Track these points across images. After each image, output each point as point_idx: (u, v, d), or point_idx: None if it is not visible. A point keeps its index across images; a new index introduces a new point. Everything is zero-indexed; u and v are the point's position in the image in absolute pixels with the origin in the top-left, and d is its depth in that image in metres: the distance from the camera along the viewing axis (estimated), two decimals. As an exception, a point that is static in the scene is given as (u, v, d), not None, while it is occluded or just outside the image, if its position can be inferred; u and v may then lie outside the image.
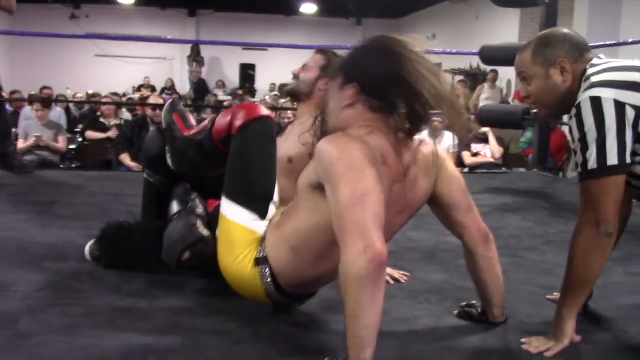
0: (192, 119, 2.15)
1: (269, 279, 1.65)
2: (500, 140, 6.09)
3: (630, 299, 1.99)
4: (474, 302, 1.86)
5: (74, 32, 13.73)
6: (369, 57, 1.60)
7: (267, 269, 1.64)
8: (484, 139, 5.99)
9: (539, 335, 1.67)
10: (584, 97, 1.55)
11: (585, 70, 1.64)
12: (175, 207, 2.10)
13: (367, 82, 1.58)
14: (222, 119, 1.82)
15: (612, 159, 1.51)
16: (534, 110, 4.18)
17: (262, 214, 1.72)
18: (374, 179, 1.43)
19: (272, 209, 1.75)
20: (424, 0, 12.41)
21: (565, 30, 1.76)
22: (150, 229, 2.12)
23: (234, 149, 1.77)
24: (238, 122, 1.76)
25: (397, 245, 2.56)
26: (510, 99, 9.56)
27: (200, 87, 13.51)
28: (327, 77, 1.70)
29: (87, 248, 2.22)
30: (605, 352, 1.66)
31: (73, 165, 6.09)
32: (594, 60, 1.65)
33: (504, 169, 5.94)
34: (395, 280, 2.18)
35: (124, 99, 10.92)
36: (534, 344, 1.63)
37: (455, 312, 1.87)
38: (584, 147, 1.54)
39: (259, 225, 1.71)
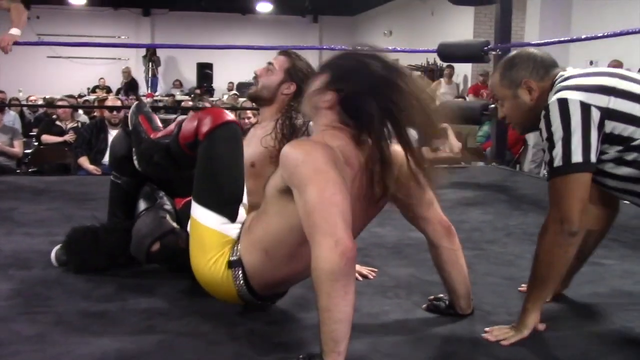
0: (158, 121, 2.15)
1: (241, 281, 1.69)
2: (459, 135, 6.19)
3: (591, 288, 2.07)
4: (441, 295, 1.91)
5: (26, 34, 13.39)
6: (361, 75, 1.60)
7: (240, 272, 1.68)
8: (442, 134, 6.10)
9: (503, 325, 1.72)
10: (552, 99, 1.62)
11: (553, 84, 1.71)
12: (143, 205, 2.11)
13: (348, 98, 1.60)
14: (189, 125, 1.84)
15: (576, 156, 1.57)
16: (492, 105, 4.29)
17: (232, 217, 1.75)
18: (339, 180, 1.47)
19: (242, 212, 1.78)
20: (380, -3, 12.56)
21: (531, 50, 1.83)
22: (118, 230, 2.12)
23: (202, 154, 1.80)
24: (205, 128, 1.79)
25: (364, 242, 2.60)
26: (465, 95, 9.72)
27: (131, 87, 13.21)
28: (319, 71, 1.70)
29: (53, 254, 2.20)
30: (569, 339, 1.72)
31: (30, 170, 5.95)
32: (563, 73, 1.72)
33: (463, 163, 6.05)
34: (364, 276, 2.21)
35: (80, 100, 10.73)
36: (494, 333, 1.69)
37: (424, 305, 1.92)
38: (551, 146, 1.60)
39: (230, 229, 1.74)
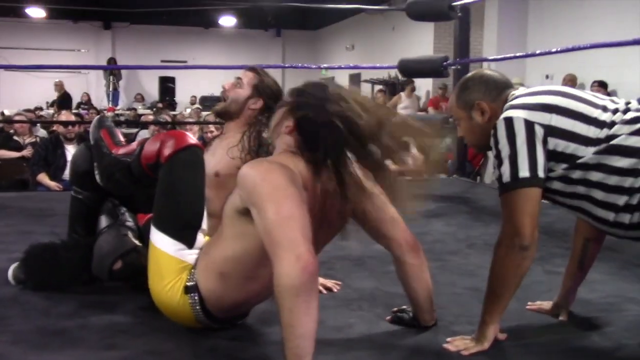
0: (120, 135, 2.13)
1: (198, 307, 1.70)
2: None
3: (549, 296, 2.11)
4: (404, 307, 1.93)
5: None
6: (319, 109, 1.61)
7: (197, 297, 1.69)
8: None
9: (466, 335, 1.75)
10: (499, 119, 1.67)
11: (504, 104, 1.75)
12: (104, 221, 2.09)
13: (305, 127, 1.63)
14: (151, 146, 1.85)
15: (523, 172, 1.61)
16: (452, 119, 4.36)
17: (189, 244, 1.77)
18: (298, 195, 1.49)
19: (200, 238, 1.79)
20: (342, 11, 12.63)
21: (485, 72, 1.89)
22: (79, 247, 2.08)
23: (162, 178, 1.81)
24: (167, 151, 1.80)
25: (327, 254, 2.60)
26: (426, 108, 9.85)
27: (63, 102, 12.41)
28: (284, 101, 1.74)
29: (10, 272, 2.15)
30: (529, 348, 1.75)
31: (-13, 186, 5.81)
32: (514, 92, 1.77)
33: (425, 176, 6.12)
34: (328, 289, 2.22)
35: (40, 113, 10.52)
36: (455, 343, 1.71)
37: (388, 317, 1.93)
38: (500, 163, 1.65)
39: (186, 254, 1.75)
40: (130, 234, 2.01)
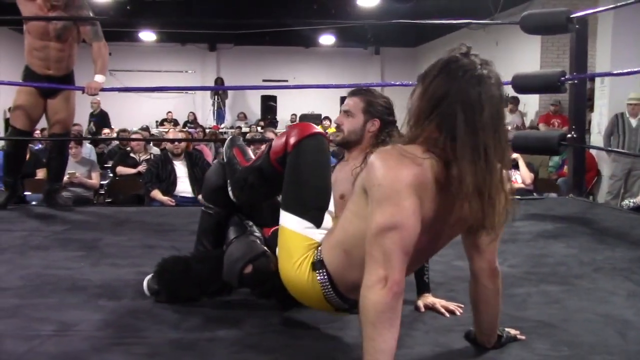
0: (250, 153, 2.21)
1: (327, 284, 1.72)
2: (530, 166, 6.06)
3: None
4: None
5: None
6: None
7: (325, 273, 1.72)
8: (514, 165, 5.97)
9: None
10: None
11: None
12: (233, 232, 2.16)
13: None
14: (278, 141, 1.93)
15: None
16: (569, 135, 4.18)
17: (317, 223, 1.82)
18: (411, 211, 1.46)
19: (328, 219, 1.83)
20: (442, 27, 12.49)
21: None
22: (209, 259, 2.16)
23: (290, 164, 1.88)
24: (292, 140, 1.88)
25: (445, 276, 2.56)
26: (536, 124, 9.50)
27: (100, 120, 11.85)
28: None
29: (145, 283, 2.24)
30: None
31: (106, 201, 6.16)
32: None
33: (535, 194, 5.90)
34: (451, 312, 2.15)
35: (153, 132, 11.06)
36: None
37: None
38: None
39: (314, 233, 1.80)
40: (258, 241, 2.06)
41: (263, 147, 2.11)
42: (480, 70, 1.55)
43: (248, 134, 8.79)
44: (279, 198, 2.01)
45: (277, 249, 1.88)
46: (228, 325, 1.98)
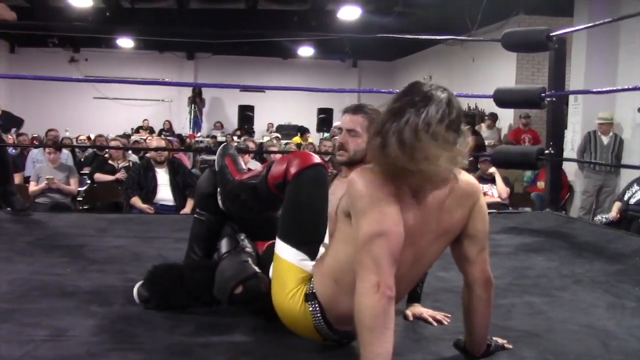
0: (242, 163, 2.22)
1: (318, 314, 1.75)
2: (506, 180, 6.18)
3: None
4: None
5: (73, 75, 13.88)
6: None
7: (317, 305, 1.75)
8: (491, 180, 6.08)
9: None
10: None
11: None
12: (225, 246, 2.17)
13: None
14: (278, 167, 1.94)
15: None
16: (547, 151, 4.28)
17: (312, 255, 1.83)
18: (394, 218, 1.54)
19: (322, 251, 1.84)
20: (419, 42, 12.67)
21: None
22: (201, 267, 2.17)
23: (290, 194, 1.89)
24: (294, 170, 1.89)
25: (431, 286, 2.59)
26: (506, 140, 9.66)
27: (5, 122, 9.75)
28: None
29: (135, 290, 2.24)
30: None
31: (83, 208, 6.10)
32: None
33: (510, 208, 6.02)
34: (439, 322, 2.20)
35: (131, 140, 10.95)
36: None
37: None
38: None
39: (309, 265, 1.82)
40: (250, 260, 2.07)
41: (260, 167, 2.10)
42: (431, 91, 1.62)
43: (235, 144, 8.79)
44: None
45: (270, 272, 1.91)
46: (221, 331, 2.00)
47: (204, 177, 2.34)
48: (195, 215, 2.32)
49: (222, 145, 2.37)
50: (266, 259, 2.07)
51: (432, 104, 1.56)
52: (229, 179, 2.14)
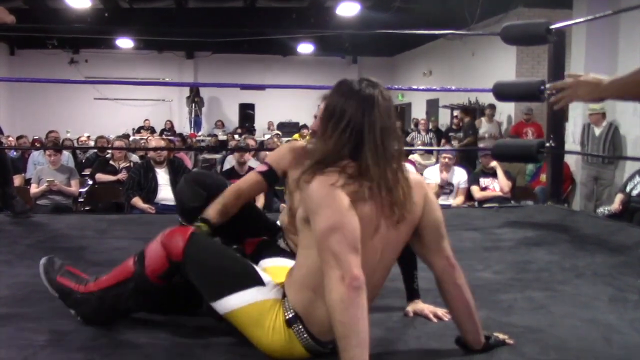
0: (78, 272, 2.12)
1: (304, 335, 1.72)
2: (508, 174, 6.16)
3: None
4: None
5: (73, 76, 13.91)
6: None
7: (300, 326, 1.72)
8: (492, 174, 6.06)
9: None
10: None
11: None
12: None
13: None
14: (154, 257, 1.89)
15: None
16: (547, 144, 4.26)
17: (259, 282, 1.78)
18: (344, 209, 1.58)
19: (264, 274, 1.82)
20: (419, 38, 12.65)
21: None
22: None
23: (190, 267, 1.84)
24: (176, 252, 1.84)
25: (431, 283, 2.57)
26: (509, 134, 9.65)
27: None
28: None
29: None
30: None
31: (85, 209, 6.11)
32: None
33: (512, 202, 6.00)
34: (439, 318, 2.19)
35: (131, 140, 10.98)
36: None
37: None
38: None
39: (265, 292, 1.77)
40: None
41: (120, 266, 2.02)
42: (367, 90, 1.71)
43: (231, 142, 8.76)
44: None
45: (245, 333, 1.80)
46: (221, 332, 1.97)
47: (186, 188, 2.28)
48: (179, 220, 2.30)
49: (42, 264, 2.08)
50: (257, 255, 2.12)
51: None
52: (79, 298, 1.98)
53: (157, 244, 1.89)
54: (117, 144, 7.59)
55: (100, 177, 6.46)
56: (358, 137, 1.67)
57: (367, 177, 1.66)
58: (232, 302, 1.76)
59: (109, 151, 7.05)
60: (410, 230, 1.79)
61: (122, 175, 6.31)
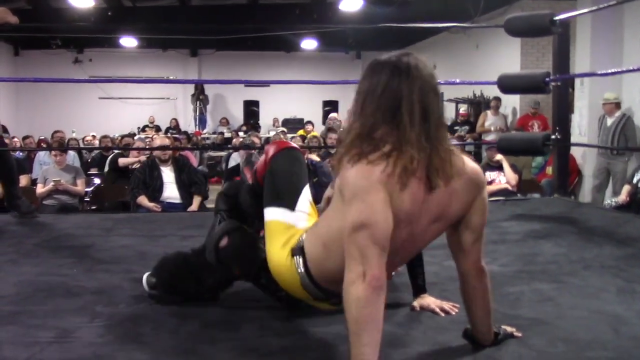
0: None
1: (302, 269, 1.81)
2: (514, 167, 6.13)
3: None
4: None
5: (78, 76, 13.94)
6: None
7: (301, 259, 1.81)
8: (498, 167, 6.04)
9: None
10: None
11: None
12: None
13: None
14: (260, 161, 2.08)
15: None
16: (553, 136, 4.24)
17: (290, 206, 1.94)
18: (378, 207, 1.52)
19: (305, 204, 1.95)
20: (423, 31, 12.58)
21: None
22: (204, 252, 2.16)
23: (267, 172, 2.01)
24: (270, 153, 2.03)
25: (438, 276, 2.58)
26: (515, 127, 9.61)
27: None
28: None
29: (144, 278, 2.28)
30: None
31: (92, 208, 6.12)
32: None
33: (519, 195, 5.97)
34: (446, 312, 2.17)
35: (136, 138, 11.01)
36: None
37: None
38: None
39: (290, 216, 1.92)
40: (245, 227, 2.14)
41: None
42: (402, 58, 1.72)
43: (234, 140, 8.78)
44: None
45: (267, 246, 1.95)
46: (227, 329, 1.98)
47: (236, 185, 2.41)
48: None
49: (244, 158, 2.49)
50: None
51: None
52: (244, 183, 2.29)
53: (266, 149, 2.10)
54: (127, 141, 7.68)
55: (123, 160, 6.60)
56: (395, 102, 1.61)
57: (406, 144, 1.58)
58: (266, 213, 1.96)
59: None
60: (446, 227, 1.74)
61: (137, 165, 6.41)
